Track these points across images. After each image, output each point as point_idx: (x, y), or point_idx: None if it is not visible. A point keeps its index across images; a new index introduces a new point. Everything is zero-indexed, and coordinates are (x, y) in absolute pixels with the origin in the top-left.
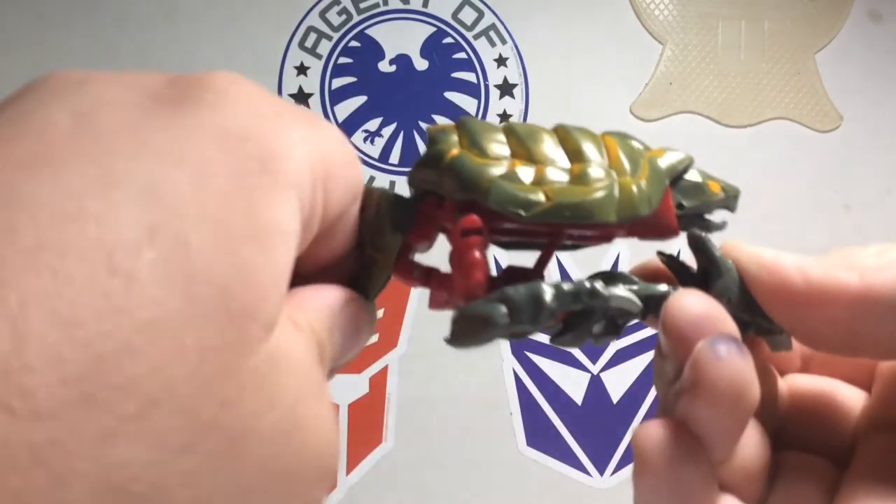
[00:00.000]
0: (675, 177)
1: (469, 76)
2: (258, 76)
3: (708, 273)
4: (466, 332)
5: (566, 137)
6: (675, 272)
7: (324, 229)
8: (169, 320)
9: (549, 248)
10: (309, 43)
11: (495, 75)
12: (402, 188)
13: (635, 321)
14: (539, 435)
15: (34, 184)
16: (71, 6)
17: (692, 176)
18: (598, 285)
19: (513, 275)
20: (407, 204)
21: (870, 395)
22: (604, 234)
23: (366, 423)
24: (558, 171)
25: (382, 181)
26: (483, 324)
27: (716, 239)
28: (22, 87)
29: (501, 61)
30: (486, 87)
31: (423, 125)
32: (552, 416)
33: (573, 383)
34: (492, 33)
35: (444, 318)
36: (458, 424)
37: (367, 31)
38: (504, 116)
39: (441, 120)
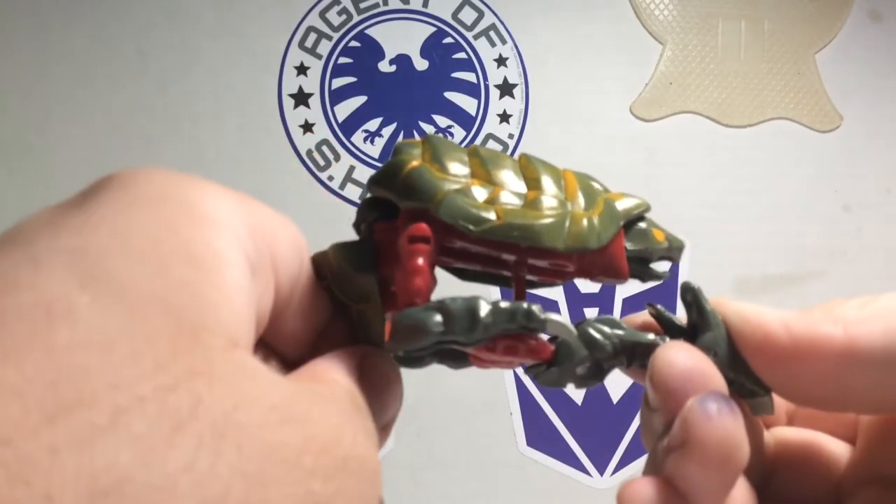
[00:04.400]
0: (630, 221)
1: (469, 76)
2: (258, 76)
3: (697, 326)
4: (402, 338)
5: (527, 166)
6: (663, 325)
7: (286, 300)
8: (119, 341)
9: (519, 288)
10: (309, 43)
11: (495, 75)
12: None
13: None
14: (539, 435)
15: None
16: (71, 6)
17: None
18: (535, 308)
19: None
20: (359, 243)
21: (854, 448)
22: (555, 268)
23: None
24: (513, 195)
25: None
26: (417, 330)
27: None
28: None
29: (501, 61)
30: (486, 87)
31: (424, 125)
32: (552, 416)
33: None
34: (492, 33)
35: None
36: (458, 425)
37: (367, 31)
38: (504, 116)
39: (441, 120)
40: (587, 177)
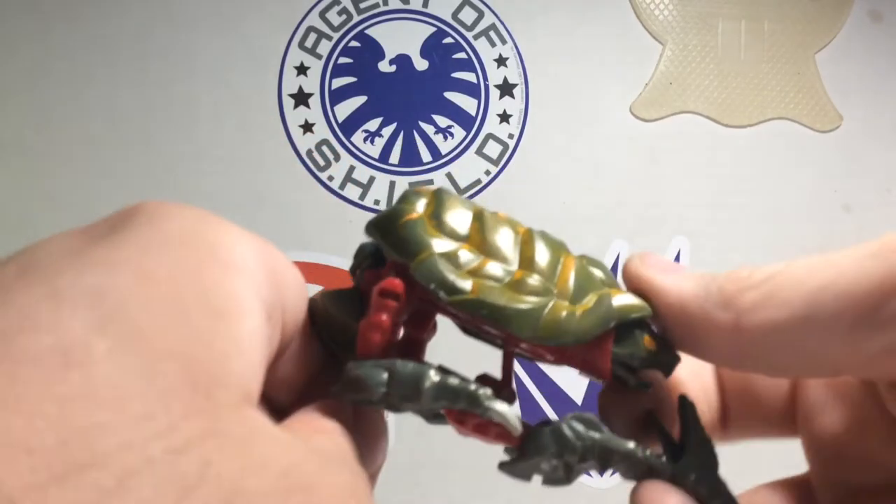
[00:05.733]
0: (626, 323)
1: (469, 76)
2: (258, 76)
3: (683, 443)
4: (346, 387)
5: (528, 242)
6: (656, 432)
7: (288, 344)
8: (133, 397)
9: (507, 355)
10: (309, 43)
11: (495, 75)
12: (402, 188)
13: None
14: None
15: None
16: (71, 6)
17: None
18: (482, 393)
19: (484, 381)
20: (347, 291)
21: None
22: (533, 354)
23: None
24: (500, 270)
25: (382, 181)
26: (360, 384)
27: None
28: None
29: (501, 61)
30: (486, 87)
31: (424, 125)
32: (552, 417)
33: (573, 383)
34: (492, 33)
35: (445, 319)
36: None
37: (367, 31)
38: (504, 116)
39: (441, 120)
40: (595, 264)
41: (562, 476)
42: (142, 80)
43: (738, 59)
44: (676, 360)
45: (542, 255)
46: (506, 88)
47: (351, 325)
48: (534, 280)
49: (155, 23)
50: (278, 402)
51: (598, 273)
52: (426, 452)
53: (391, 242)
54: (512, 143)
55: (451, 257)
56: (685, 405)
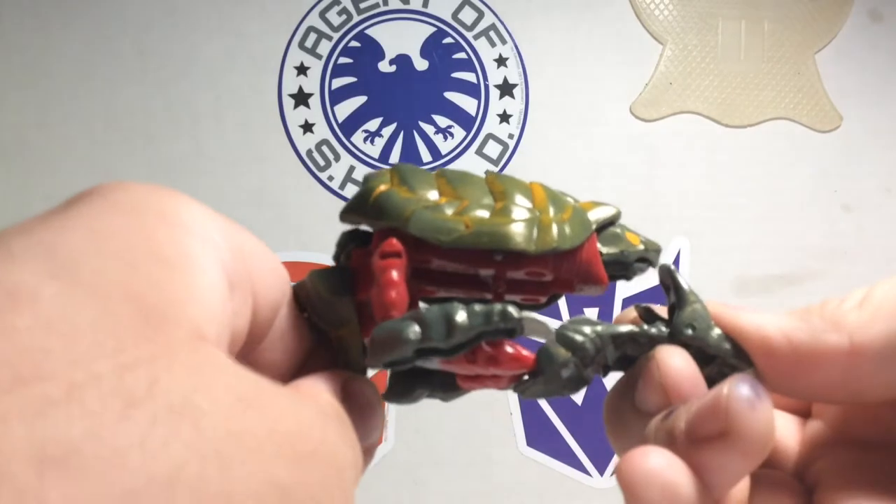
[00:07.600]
0: (602, 226)
1: (469, 76)
2: (258, 76)
3: (675, 305)
4: (380, 350)
5: (494, 181)
6: (649, 318)
7: (265, 328)
8: (81, 326)
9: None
10: (309, 43)
11: (495, 75)
12: None
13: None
14: (539, 435)
15: None
16: (71, 6)
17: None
18: (511, 308)
19: None
20: (337, 269)
21: (806, 419)
22: (533, 278)
23: None
24: (481, 208)
25: None
26: (395, 340)
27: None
28: None
29: (501, 61)
30: (486, 87)
31: (424, 125)
32: (552, 416)
33: None
34: (492, 33)
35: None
36: (458, 424)
37: (367, 31)
38: (504, 116)
39: (441, 120)
40: (559, 191)
41: (578, 382)
42: (142, 80)
43: (738, 59)
44: (659, 248)
45: (512, 187)
46: (506, 88)
47: (340, 302)
48: (516, 206)
49: (155, 23)
50: None
51: (566, 197)
52: (425, 451)
53: (374, 215)
54: (512, 143)
55: (434, 208)
56: (666, 272)
